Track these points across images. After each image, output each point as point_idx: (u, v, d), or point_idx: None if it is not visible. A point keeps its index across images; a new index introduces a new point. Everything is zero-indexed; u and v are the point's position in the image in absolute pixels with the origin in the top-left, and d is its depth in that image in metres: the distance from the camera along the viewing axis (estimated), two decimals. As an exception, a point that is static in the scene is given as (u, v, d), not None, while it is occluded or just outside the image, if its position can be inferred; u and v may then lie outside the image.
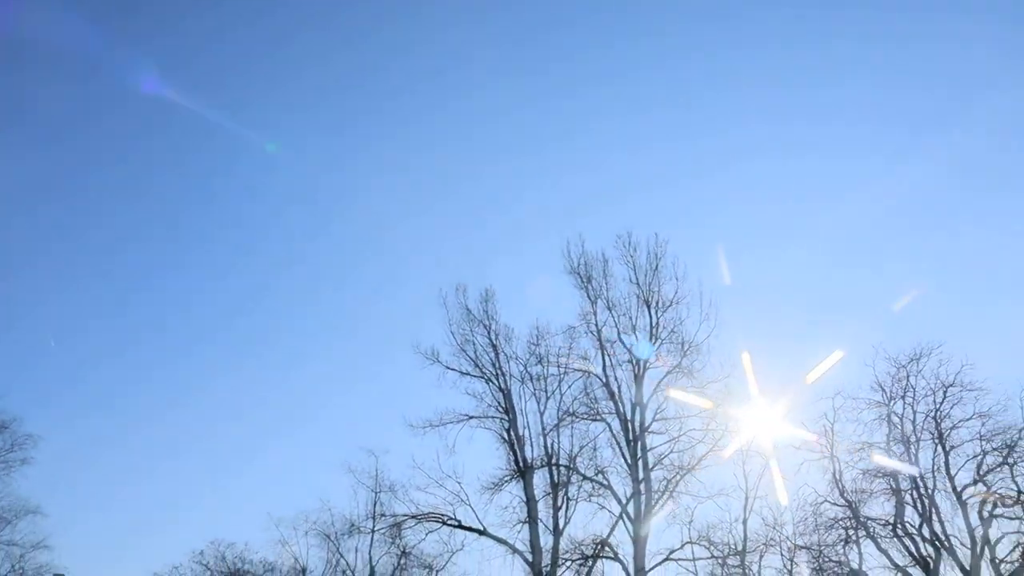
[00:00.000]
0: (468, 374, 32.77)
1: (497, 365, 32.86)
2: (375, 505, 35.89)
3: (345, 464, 36.35)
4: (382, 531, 35.49)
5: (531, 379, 32.81)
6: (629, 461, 31.47)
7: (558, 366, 32.58)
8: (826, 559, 32.30)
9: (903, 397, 31.34)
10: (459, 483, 32.18)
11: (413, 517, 32.71)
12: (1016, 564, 29.05)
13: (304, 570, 37.08)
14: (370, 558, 36.44)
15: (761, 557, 34.66)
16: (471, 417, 32.32)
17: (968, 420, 30.57)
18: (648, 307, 32.20)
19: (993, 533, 29.74)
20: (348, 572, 36.57)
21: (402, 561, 35.65)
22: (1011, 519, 29.90)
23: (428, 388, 34.40)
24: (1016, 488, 29.56)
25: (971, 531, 29.52)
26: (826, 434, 31.70)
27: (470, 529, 32.12)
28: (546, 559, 31.35)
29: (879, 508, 31.62)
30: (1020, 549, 29.24)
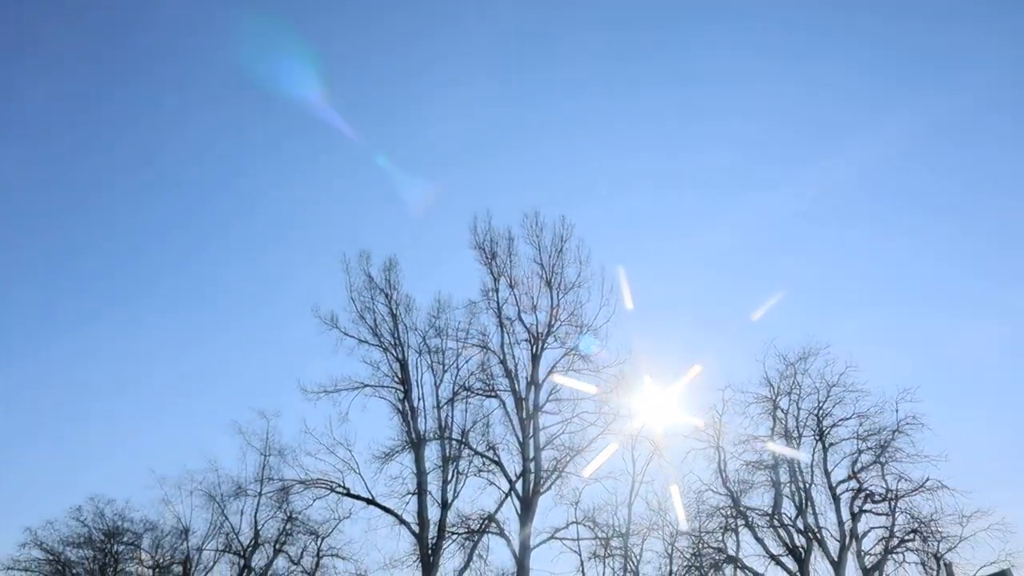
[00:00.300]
0: (366, 342, 32.93)
1: (396, 335, 33.00)
2: (263, 468, 35.69)
3: (235, 425, 36.19)
4: (269, 495, 35.43)
5: (429, 351, 33.16)
6: (521, 439, 31.94)
7: (457, 340, 33.00)
8: (706, 545, 33.36)
9: (789, 394, 32.60)
10: (350, 451, 32.41)
11: (302, 482, 32.77)
12: (879, 557, 30.52)
13: (186, 531, 36.64)
14: (255, 521, 36.15)
15: (644, 540, 35.71)
16: (366, 385, 32.52)
17: (847, 419, 31.97)
18: (550, 288, 32.60)
19: (861, 527, 31.21)
20: (232, 535, 36.29)
21: (288, 526, 35.65)
22: (878, 515, 31.37)
23: (325, 354, 34.41)
24: (885, 486, 31.09)
25: (841, 524, 30.91)
26: (714, 425, 32.81)
27: (358, 498, 32.29)
28: (433, 532, 31.72)
29: (759, 499, 32.82)
30: (883, 543, 30.68)
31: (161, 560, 38.02)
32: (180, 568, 36.79)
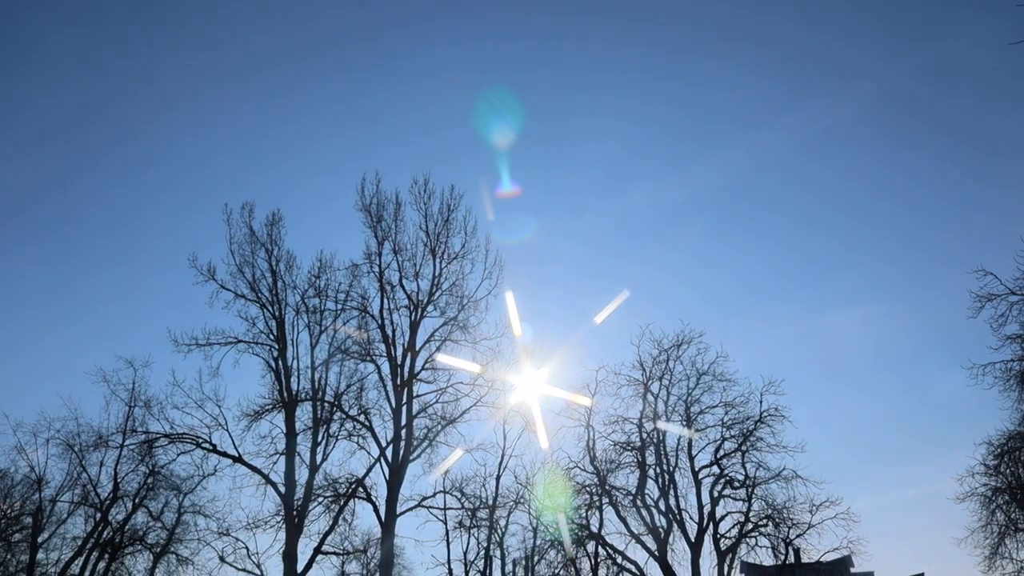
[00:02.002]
0: (243, 296, 33.77)
1: (275, 292, 33.87)
2: (128, 420, 35.94)
3: (100, 373, 36.14)
4: (132, 447, 35.95)
5: (307, 311, 34.17)
6: (394, 405, 33.42)
7: (336, 301, 34.18)
8: (570, 521, 35.68)
9: (661, 378, 35.19)
10: (219, 407, 33.25)
11: (167, 436, 33.54)
12: (734, 540, 33.43)
13: (40, 480, 36.61)
14: (115, 473, 36.51)
15: (510, 513, 38.08)
16: (240, 341, 33.38)
17: (714, 407, 34.90)
18: (434, 256, 34.15)
19: (720, 511, 34.04)
20: (90, 486, 36.64)
21: (150, 480, 36.32)
22: (736, 500, 34.30)
23: (199, 306, 35.40)
24: (744, 473, 33.97)
25: (701, 508, 33.60)
26: (585, 404, 35.23)
27: (225, 455, 33.23)
28: (299, 493, 32.74)
29: (624, 479, 35.23)
30: (739, 527, 33.55)
31: (9, 511, 38.03)
32: (30, 519, 36.86)
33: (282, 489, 32.57)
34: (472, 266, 34.32)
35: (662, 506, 33.93)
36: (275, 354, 33.70)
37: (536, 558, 38.02)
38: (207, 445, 33.29)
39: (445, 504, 36.53)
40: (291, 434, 33.04)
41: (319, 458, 33.36)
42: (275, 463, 33.11)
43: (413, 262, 34.22)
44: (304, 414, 33.94)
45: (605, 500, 34.91)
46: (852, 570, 38.32)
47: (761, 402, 33.97)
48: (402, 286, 34.15)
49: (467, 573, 38.44)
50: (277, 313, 33.90)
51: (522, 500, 37.47)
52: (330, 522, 33.20)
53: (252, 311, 33.73)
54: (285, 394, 33.24)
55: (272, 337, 33.71)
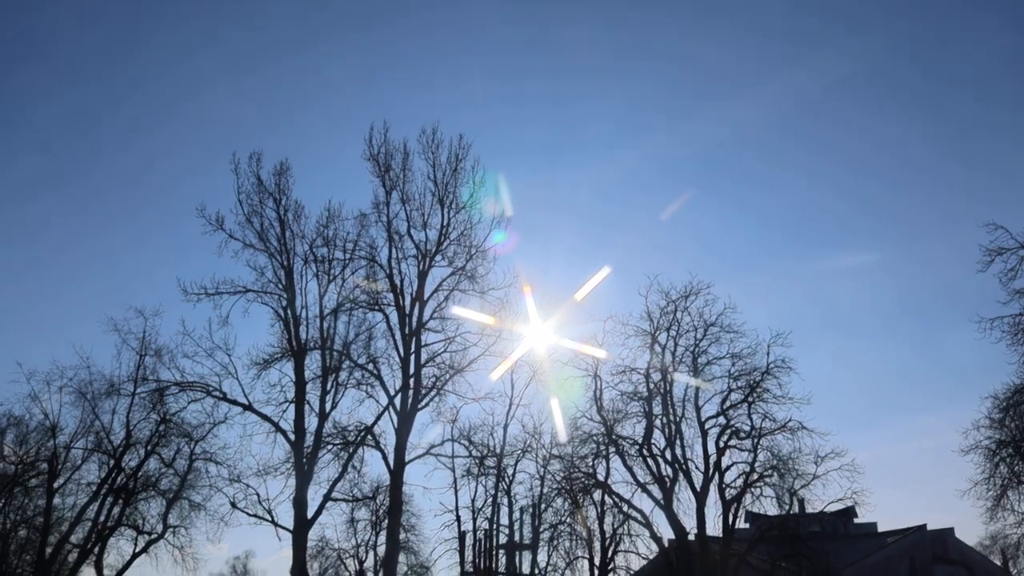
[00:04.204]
0: (251, 246, 35.12)
1: (283, 241, 35.29)
2: (139, 368, 37.75)
3: (111, 322, 37.87)
4: (143, 396, 37.82)
5: (316, 260, 35.55)
6: (402, 354, 35.04)
7: (344, 251, 35.56)
8: (577, 470, 37.88)
9: (668, 329, 36.81)
10: (229, 355, 35.02)
11: (177, 384, 35.45)
12: (739, 489, 35.40)
13: (55, 428, 38.46)
14: (128, 421, 38.53)
15: (517, 462, 40.16)
16: (249, 290, 34.84)
17: (721, 359, 36.41)
18: (442, 206, 35.51)
19: (725, 461, 35.91)
20: (103, 434, 38.78)
21: (161, 428, 38.27)
22: (742, 451, 36.13)
23: (208, 256, 36.91)
24: (750, 424, 35.76)
25: (707, 458, 35.54)
26: (593, 354, 37.03)
27: (235, 403, 34.98)
28: (309, 441, 34.57)
29: (631, 429, 37.13)
30: (744, 477, 35.52)
31: (26, 457, 40.46)
32: (46, 465, 39.14)
33: (292, 437, 34.12)
34: (480, 216, 35.63)
35: (668, 456, 35.78)
36: (284, 303, 35.11)
37: (543, 506, 39.87)
38: (217, 393, 34.96)
39: (453, 452, 38.36)
40: (300, 383, 34.53)
41: (328, 406, 35.08)
42: (285, 411, 34.65)
43: (421, 211, 35.50)
44: (313, 363, 35.55)
45: (612, 449, 36.77)
46: (855, 520, 40.82)
47: (768, 354, 35.33)
48: (410, 235, 35.48)
49: (475, 520, 40.62)
50: (285, 262, 35.20)
51: (529, 448, 39.58)
52: (339, 469, 35.13)
53: (260, 260, 34.98)
54: (294, 343, 34.64)
55: (281, 286, 35.08)
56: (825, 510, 35.11)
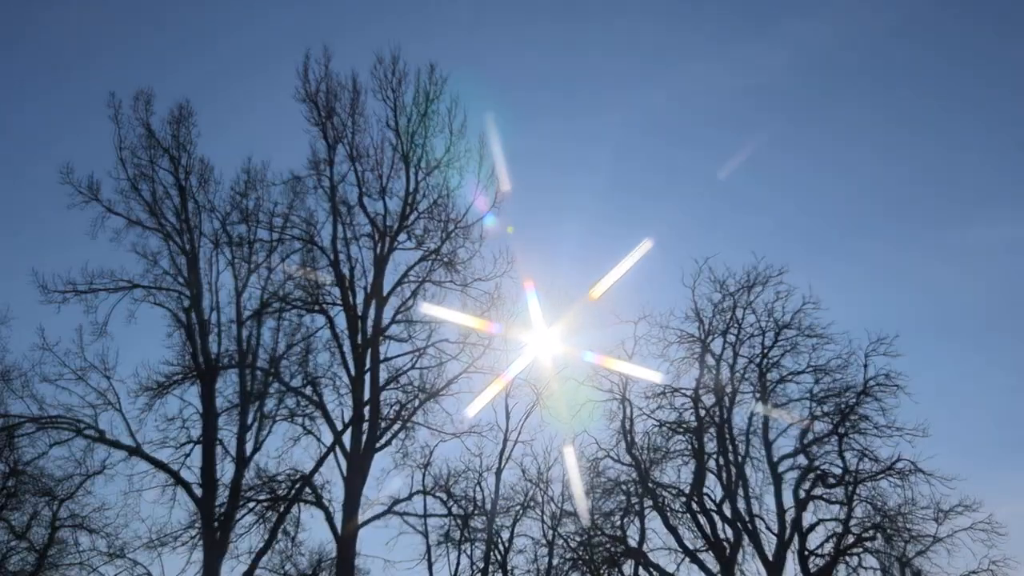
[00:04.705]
0: (139, 223, 30.40)
1: (183, 216, 30.56)
2: None
3: None
4: None
5: (231, 243, 31.06)
6: (353, 373, 30.08)
7: (271, 229, 31.04)
8: (599, 532, 31.88)
9: (724, 334, 31.21)
10: (108, 378, 29.89)
11: (34, 420, 29.97)
12: (826, 559, 29.18)
13: None
14: None
15: (515, 522, 34.25)
16: (137, 286, 30.16)
17: (800, 373, 30.90)
18: (407, 164, 30.60)
19: (808, 519, 30.02)
20: None
21: (11, 483, 32.48)
22: (831, 503, 30.01)
23: (77, 239, 32.13)
24: (842, 465, 29.63)
25: (782, 513, 29.54)
26: (620, 369, 31.36)
27: (117, 445, 29.84)
28: (223, 497, 29.68)
29: (674, 474, 31.68)
30: (835, 541, 29.26)
31: None
32: None
33: (199, 491, 29.59)
34: (460, 178, 30.65)
35: (727, 511, 30.23)
36: (186, 304, 30.57)
37: None
38: (91, 432, 29.78)
39: (426, 510, 32.96)
40: (210, 415, 30.05)
41: (249, 448, 30.41)
42: (188, 456, 29.97)
43: (378, 173, 30.55)
44: (228, 387, 31.06)
45: (648, 503, 31.27)
46: None
47: (866, 367, 29.74)
48: (363, 206, 30.61)
49: None
50: (188, 246, 30.61)
51: (532, 503, 33.91)
52: (266, 536, 30.35)
53: (152, 244, 30.54)
54: (201, 359, 30.19)
55: (181, 280, 30.58)
56: (952, 587, 29.54)
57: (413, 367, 30.76)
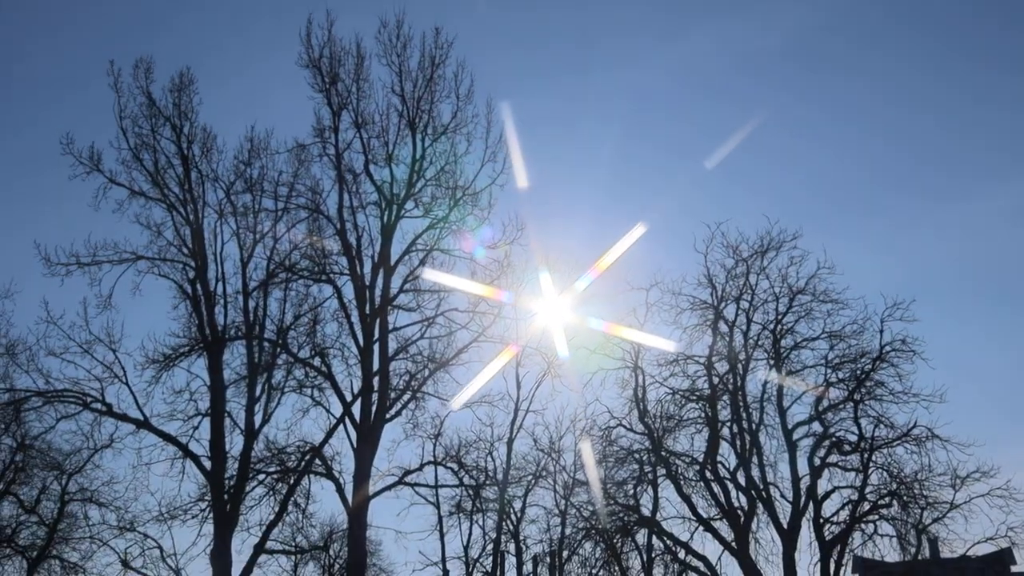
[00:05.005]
0: (142, 194, 29.71)
1: (187, 187, 29.86)
2: None
3: None
4: None
5: (235, 213, 30.30)
6: (362, 343, 29.70)
7: (276, 198, 30.24)
8: (612, 501, 31.59)
9: (738, 299, 30.67)
10: (114, 351, 29.44)
11: (41, 394, 29.65)
12: (841, 527, 28.93)
13: None
14: None
15: (528, 492, 34.16)
16: (141, 257, 29.50)
17: (815, 340, 30.40)
18: (413, 131, 29.95)
19: (823, 486, 29.65)
20: None
21: (18, 457, 32.38)
22: (846, 470, 29.67)
23: (81, 210, 30.90)
24: (858, 432, 29.19)
25: (796, 481, 29.21)
26: (631, 337, 30.80)
27: (125, 418, 29.58)
28: (232, 469, 29.62)
29: (687, 442, 31.17)
30: (851, 508, 28.94)
31: None
32: None
33: (208, 464, 29.27)
34: (468, 144, 30.03)
35: (741, 479, 29.98)
36: (191, 275, 29.97)
37: (566, 553, 34.49)
38: (98, 405, 29.47)
39: (437, 480, 32.88)
40: (217, 387, 29.60)
41: (258, 420, 29.99)
42: (196, 428, 29.69)
43: (384, 139, 29.94)
44: (235, 359, 30.58)
45: (661, 472, 30.90)
46: (1013, 569, 34.08)
47: (882, 332, 29.12)
48: (369, 174, 29.93)
49: (469, 574, 35.06)
50: (192, 217, 29.92)
51: (545, 473, 33.81)
52: (276, 508, 30.28)
53: (156, 214, 29.89)
54: (207, 331, 29.63)
55: (186, 251, 29.93)
56: (969, 553, 28.92)
57: (422, 337, 30.47)
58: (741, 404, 30.17)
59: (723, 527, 29.82)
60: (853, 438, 29.51)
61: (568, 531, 34.37)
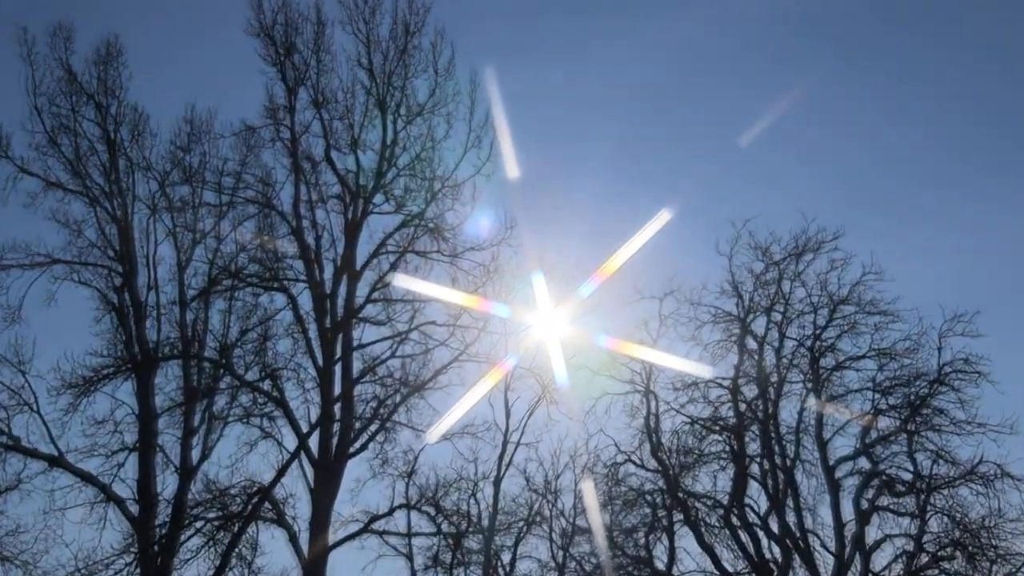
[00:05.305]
0: (60, 186, 27.58)
1: (114, 177, 27.59)
2: None
3: None
4: None
5: (171, 208, 28.18)
6: (321, 364, 27.02)
7: (220, 191, 28.00)
8: (620, 552, 28.90)
9: (769, 311, 28.13)
10: (23, 372, 26.97)
11: None
12: None
13: None
14: None
15: (519, 540, 30.96)
16: (57, 261, 27.48)
17: (860, 358, 27.90)
18: (384, 111, 27.42)
19: (873, 534, 26.93)
20: None
21: None
22: (900, 515, 26.89)
23: None
24: (913, 470, 26.60)
25: (840, 528, 26.46)
26: (643, 356, 28.43)
27: (34, 454, 26.88)
28: (165, 515, 27.01)
29: (708, 482, 28.60)
30: (905, 561, 26.20)
31: None
32: None
33: (134, 509, 26.79)
34: (449, 127, 27.57)
35: (774, 526, 26.98)
36: (117, 282, 27.74)
37: None
38: (3, 439, 26.86)
39: (410, 527, 29.71)
40: (147, 417, 27.13)
41: (196, 455, 27.65)
42: (121, 466, 27.10)
43: (348, 121, 27.52)
44: (169, 382, 28.27)
45: (678, 517, 28.07)
46: None
47: (941, 349, 26.49)
48: (330, 162, 27.45)
49: None
50: (119, 212, 27.69)
51: (538, 519, 30.55)
52: (217, 562, 26.75)
53: (76, 210, 27.76)
54: (136, 349, 27.33)
55: (112, 253, 27.80)
56: (1053, 619, 26.58)
57: (393, 355, 27.45)
58: (773, 436, 27.28)
59: (753, 583, 27.55)
60: (908, 476, 26.59)
61: (569, 584, 31.62)
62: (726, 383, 27.55)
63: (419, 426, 27.62)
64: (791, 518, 26.47)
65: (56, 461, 26.19)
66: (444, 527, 29.30)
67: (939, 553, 26.09)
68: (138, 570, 25.76)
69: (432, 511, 28.93)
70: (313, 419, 26.60)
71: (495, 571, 30.63)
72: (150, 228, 27.55)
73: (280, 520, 26.41)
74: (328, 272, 26.94)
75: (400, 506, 28.53)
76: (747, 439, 27.31)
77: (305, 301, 26.99)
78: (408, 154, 27.13)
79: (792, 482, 26.68)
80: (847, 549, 26.06)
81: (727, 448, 27.55)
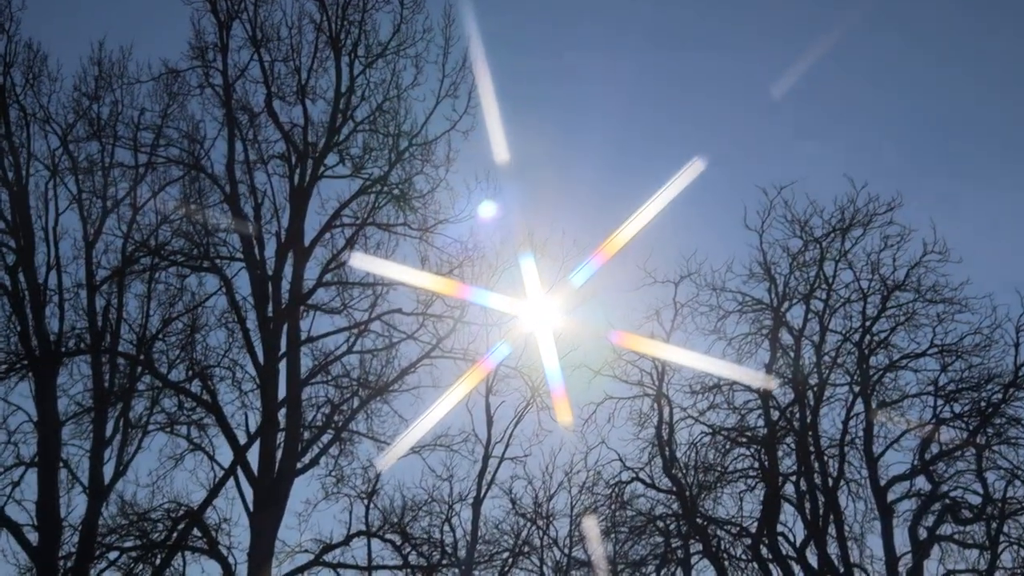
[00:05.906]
0: None
1: (3, 131, 23.49)
2: None
3: None
4: None
5: (76, 169, 24.17)
6: (263, 360, 23.37)
7: (136, 148, 24.14)
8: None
9: (808, 298, 25.20)
10: None
11: None
12: None
13: None
14: None
15: (503, 574, 27.30)
16: None
17: (920, 356, 24.99)
18: (338, 52, 23.70)
19: (932, 569, 24.15)
20: None
21: None
22: (966, 547, 23.97)
23: None
24: (983, 492, 23.70)
25: (894, 562, 23.68)
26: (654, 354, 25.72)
27: None
28: (72, 543, 23.54)
29: (732, 505, 25.90)
30: None
31: None
32: None
33: (33, 537, 23.02)
34: (418, 71, 23.83)
35: (812, 558, 24.41)
36: (10, 260, 23.82)
37: None
38: None
39: (371, 559, 26.32)
40: (49, 425, 23.25)
41: (109, 472, 23.90)
42: (17, 484, 23.69)
43: (294, 64, 23.75)
44: (75, 383, 24.55)
45: (696, 547, 25.43)
46: None
47: (1018, 346, 23.78)
48: (272, 114, 23.63)
49: None
50: (11, 175, 23.65)
51: (527, 549, 27.01)
52: None
53: None
54: (34, 342, 23.38)
55: (3, 226, 23.94)
56: None
57: (350, 350, 24.32)
58: (812, 450, 24.33)
59: (787, 627, 24.40)
60: (976, 500, 23.89)
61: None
62: (756, 386, 24.73)
63: (382, 436, 24.60)
64: (833, 549, 24.01)
65: (-64, 479, 22.71)
66: (412, 559, 25.85)
67: (1014, 592, 23.45)
68: (40, 610, 22.62)
69: (398, 539, 25.70)
70: (253, 428, 23.44)
71: (473, 611, 27.87)
72: (50, 194, 23.42)
73: (212, 550, 23.34)
74: (270, 249, 23.21)
75: (359, 533, 25.49)
76: (780, 454, 25.12)
77: (242, 284, 23.43)
78: (368, 104, 23.35)
79: (835, 506, 24.10)
80: (903, 585, 23.55)
81: (756, 464, 25.03)
